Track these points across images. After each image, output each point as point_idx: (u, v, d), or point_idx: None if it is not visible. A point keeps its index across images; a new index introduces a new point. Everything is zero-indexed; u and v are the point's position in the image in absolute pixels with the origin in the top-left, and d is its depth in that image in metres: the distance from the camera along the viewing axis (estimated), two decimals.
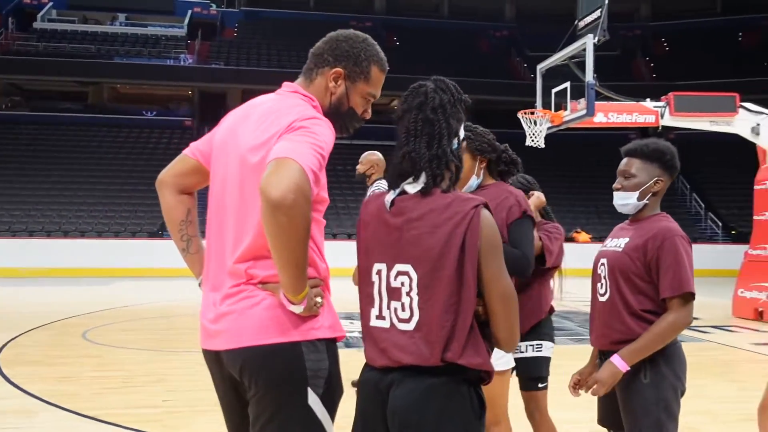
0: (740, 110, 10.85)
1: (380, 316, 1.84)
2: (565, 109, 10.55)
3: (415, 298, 1.78)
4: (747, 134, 11.01)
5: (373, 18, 35.00)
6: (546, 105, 10.99)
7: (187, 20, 33.47)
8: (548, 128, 10.51)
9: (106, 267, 19.79)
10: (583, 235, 21.56)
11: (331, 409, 1.89)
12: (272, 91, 2.07)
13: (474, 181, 3.01)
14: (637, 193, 2.57)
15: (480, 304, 1.77)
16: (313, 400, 1.83)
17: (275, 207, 1.63)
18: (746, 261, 11.13)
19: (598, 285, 2.61)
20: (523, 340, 3.13)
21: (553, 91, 10.80)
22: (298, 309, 1.80)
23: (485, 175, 3.07)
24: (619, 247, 2.58)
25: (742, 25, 33.84)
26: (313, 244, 1.84)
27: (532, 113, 10.65)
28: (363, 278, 1.90)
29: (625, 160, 2.63)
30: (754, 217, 11.07)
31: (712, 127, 11.03)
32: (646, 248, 2.49)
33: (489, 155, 3.02)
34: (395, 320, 1.81)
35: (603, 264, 2.62)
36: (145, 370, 6.65)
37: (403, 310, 1.80)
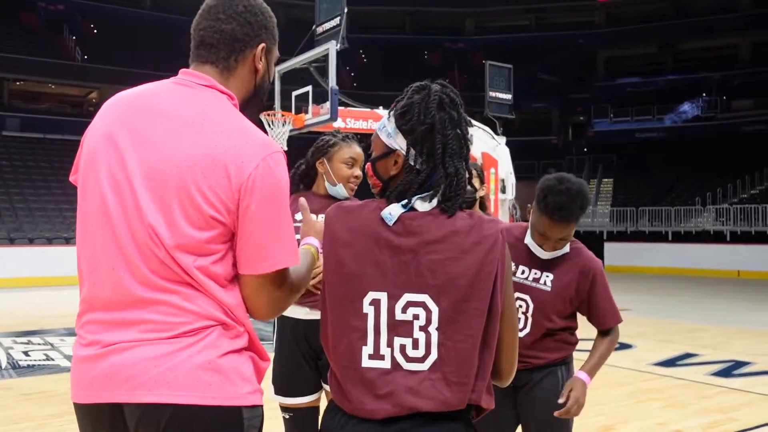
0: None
1: (377, 356, 1.50)
2: (306, 112, 10.65)
3: (434, 334, 1.49)
4: None
5: (66, 0, 31.95)
6: (285, 108, 11.00)
7: None
8: (290, 131, 10.52)
9: None
10: None
11: None
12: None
13: (339, 187, 2.83)
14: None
15: None
16: None
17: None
18: None
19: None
20: None
21: (294, 94, 10.83)
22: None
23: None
24: (545, 285, 2.52)
25: (427, 45, 37.55)
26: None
27: (274, 115, 10.57)
28: (342, 309, 1.54)
29: (561, 226, 2.42)
30: None
31: None
32: (578, 288, 2.51)
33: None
34: (401, 359, 1.49)
35: (525, 301, 2.53)
36: None
37: (415, 347, 1.49)
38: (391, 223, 1.53)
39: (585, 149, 34.35)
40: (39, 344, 8.81)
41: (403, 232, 1.53)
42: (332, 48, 9.71)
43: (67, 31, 30.41)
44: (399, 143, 1.58)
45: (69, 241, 19.36)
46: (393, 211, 1.54)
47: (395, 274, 1.51)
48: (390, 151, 1.59)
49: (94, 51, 29.55)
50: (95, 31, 31.85)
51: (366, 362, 1.50)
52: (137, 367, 1.46)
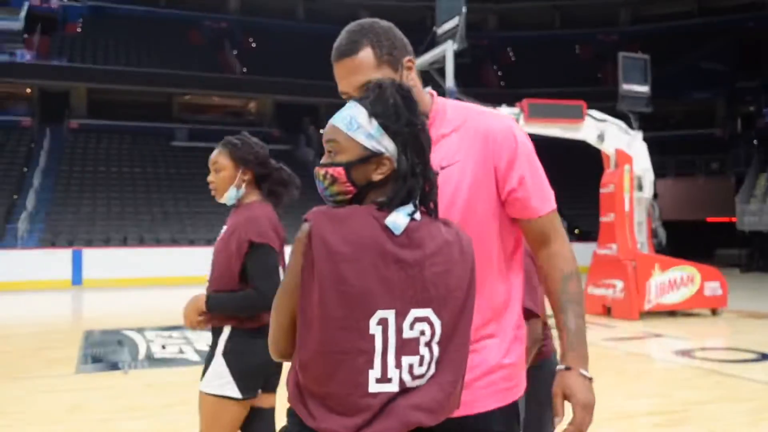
0: (587, 118, 11.49)
1: (384, 379, 1.41)
2: None
3: (436, 349, 1.45)
4: (593, 141, 11.69)
5: (228, 18, 34.22)
6: None
7: (23, 13, 31.08)
8: None
9: None
10: None
11: None
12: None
13: (233, 192, 2.78)
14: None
15: None
16: None
17: None
18: (594, 260, 11.81)
19: None
20: None
21: None
22: None
23: (249, 191, 2.82)
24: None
25: (578, 39, 36.27)
26: None
27: None
28: (343, 332, 1.39)
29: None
30: (601, 219, 11.77)
31: (564, 134, 11.60)
32: None
33: (253, 168, 2.79)
34: (408, 379, 1.42)
35: None
36: None
37: (420, 364, 1.43)
38: (398, 233, 1.42)
39: (755, 141, 31.61)
40: (177, 339, 9.51)
41: (408, 243, 1.43)
42: (449, 48, 9.69)
43: (228, 46, 32.55)
44: (386, 146, 1.46)
45: None
46: (399, 221, 1.43)
47: (402, 289, 1.42)
48: (372, 155, 1.46)
49: (252, 63, 31.40)
50: (254, 45, 33.80)
51: (373, 387, 1.40)
52: None
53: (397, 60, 1.71)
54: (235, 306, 2.65)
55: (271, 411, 2.79)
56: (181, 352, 8.42)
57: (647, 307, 10.96)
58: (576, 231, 26.02)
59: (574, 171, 28.83)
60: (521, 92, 21.18)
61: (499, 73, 34.81)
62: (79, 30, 32.25)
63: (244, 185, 2.78)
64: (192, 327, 2.72)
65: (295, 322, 1.45)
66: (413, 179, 1.45)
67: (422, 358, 1.42)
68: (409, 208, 1.45)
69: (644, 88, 12.03)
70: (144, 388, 6.47)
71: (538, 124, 11.26)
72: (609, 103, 14.36)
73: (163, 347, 8.79)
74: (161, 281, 18.43)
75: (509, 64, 36.05)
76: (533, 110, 11.18)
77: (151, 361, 7.88)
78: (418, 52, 11.09)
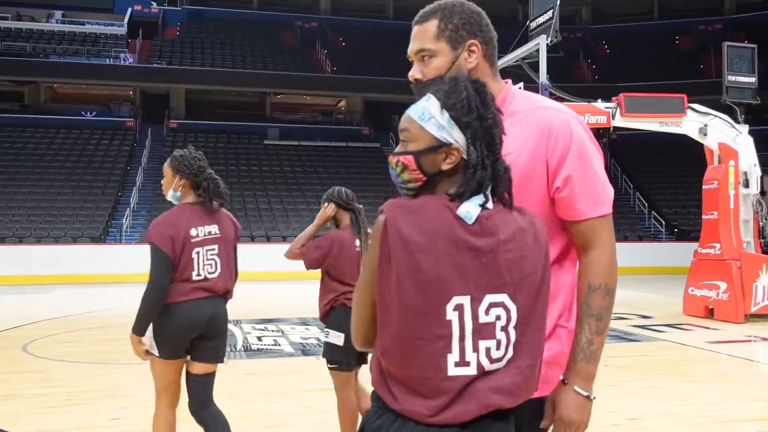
0: (688, 111, 11.03)
1: (462, 362, 1.46)
2: None
3: (512, 333, 1.50)
4: (695, 135, 11.21)
5: (319, 18, 34.77)
6: None
7: (126, 18, 32.61)
8: None
9: (46, 274, 19.05)
10: None
11: None
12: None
13: (172, 194, 3.54)
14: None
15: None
16: None
17: None
18: (695, 260, 11.32)
19: None
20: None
21: None
22: None
23: (185, 193, 3.54)
24: None
25: (678, 29, 34.83)
26: None
27: None
28: (421, 318, 1.45)
29: None
30: (703, 217, 11.27)
31: (662, 128, 11.18)
32: None
33: (187, 177, 3.49)
34: (486, 362, 1.47)
35: None
36: (91, 386, 6.31)
37: (498, 348, 1.48)
38: (471, 222, 1.47)
39: None
40: (272, 331, 9.77)
41: (480, 231, 1.48)
42: (542, 42, 9.51)
43: (319, 45, 33.09)
44: (456, 137, 1.51)
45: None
46: (471, 210, 1.48)
47: (477, 276, 1.47)
48: (441, 145, 1.52)
49: (342, 62, 31.80)
50: (344, 44, 34.23)
51: (452, 371, 1.46)
52: None
53: (461, 39, 1.75)
54: (142, 310, 3.32)
55: (200, 376, 3.49)
56: (276, 344, 8.63)
57: (753, 309, 10.42)
58: (675, 230, 25.06)
59: (673, 167, 27.78)
60: (617, 86, 20.60)
61: (594, 67, 33.88)
62: (177, 33, 33.57)
63: (180, 189, 3.52)
64: (143, 358, 3.43)
65: (375, 312, 1.51)
66: (482, 171, 1.50)
67: (499, 342, 1.48)
68: (480, 198, 1.49)
69: (751, 79, 11.42)
70: (241, 377, 6.67)
71: (635, 118, 10.90)
72: (712, 95, 13.75)
73: (259, 339, 9.04)
74: (255, 276, 18.92)
75: (604, 57, 35.03)
76: (630, 104, 10.82)
77: (249, 352, 8.12)
78: (510, 47, 10.93)
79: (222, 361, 3.57)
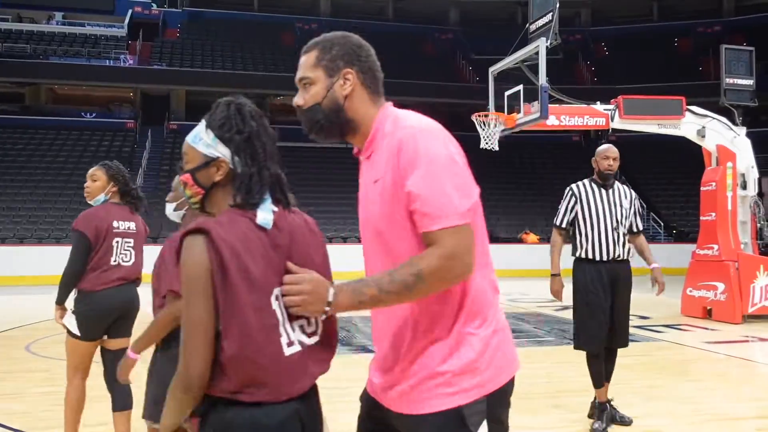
0: (687, 113, 11.10)
1: (290, 342, 1.72)
2: (518, 112, 10.60)
3: None
4: (693, 137, 11.28)
5: (319, 20, 34.84)
6: (498, 108, 11.03)
7: (127, 20, 32.67)
8: (501, 131, 10.54)
9: (47, 275, 19.07)
10: (532, 237, 21.79)
11: None
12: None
13: (101, 197, 4.12)
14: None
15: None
16: None
17: None
18: (693, 261, 11.39)
19: None
20: None
21: (506, 93, 10.83)
22: None
23: (113, 197, 4.14)
24: None
25: (677, 31, 34.93)
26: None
27: (486, 116, 10.65)
28: (256, 311, 1.71)
29: None
30: (701, 218, 11.34)
31: (660, 130, 11.24)
32: None
33: (119, 185, 4.13)
34: (305, 338, 1.76)
35: None
36: (97, 384, 6.35)
37: (309, 324, 1.79)
38: (269, 227, 1.72)
39: None
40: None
41: (278, 231, 1.75)
42: (542, 45, 9.57)
43: None
44: (221, 151, 1.75)
45: (346, 240, 21.37)
46: (267, 216, 1.73)
47: (280, 269, 1.72)
48: (211, 160, 1.76)
49: None
50: None
51: (287, 351, 1.70)
52: None
53: (337, 68, 1.87)
54: (61, 285, 3.95)
55: (113, 352, 4.12)
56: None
57: (751, 310, 10.49)
58: (674, 231, 25.12)
59: (672, 168, 27.86)
60: (616, 88, 20.66)
61: (593, 69, 33.95)
62: (178, 35, 33.62)
63: (111, 194, 4.12)
64: (59, 323, 4.04)
65: (212, 334, 1.64)
66: (249, 177, 1.73)
67: (308, 318, 1.74)
68: (269, 203, 1.74)
69: (749, 81, 11.49)
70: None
71: (634, 120, 10.97)
72: (710, 98, 13.82)
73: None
74: None
75: (603, 59, 35.11)
76: (629, 106, 10.89)
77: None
78: (510, 50, 10.98)
79: (130, 335, 4.09)
